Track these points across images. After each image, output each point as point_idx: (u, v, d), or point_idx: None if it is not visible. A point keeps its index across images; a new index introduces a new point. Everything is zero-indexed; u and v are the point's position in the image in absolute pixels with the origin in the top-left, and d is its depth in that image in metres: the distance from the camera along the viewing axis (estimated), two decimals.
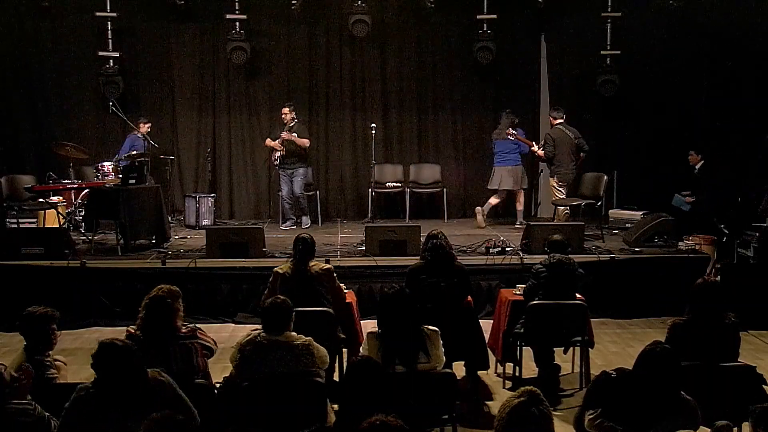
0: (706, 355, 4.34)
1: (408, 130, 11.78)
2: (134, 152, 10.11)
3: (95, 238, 8.70)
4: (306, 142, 10.30)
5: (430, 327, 4.41)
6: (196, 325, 4.83)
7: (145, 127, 10.61)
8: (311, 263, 5.70)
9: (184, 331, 4.43)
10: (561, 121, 9.83)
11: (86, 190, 9.15)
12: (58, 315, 4.24)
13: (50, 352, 4.24)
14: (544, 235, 7.64)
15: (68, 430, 3.42)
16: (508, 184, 10.35)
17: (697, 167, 10.35)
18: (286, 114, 10.26)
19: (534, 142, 10.26)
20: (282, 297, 4.47)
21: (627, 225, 9.74)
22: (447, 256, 5.66)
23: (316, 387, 4.15)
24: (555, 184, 9.77)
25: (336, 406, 4.12)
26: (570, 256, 5.88)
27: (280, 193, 10.49)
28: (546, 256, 5.86)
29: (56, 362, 4.38)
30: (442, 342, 4.41)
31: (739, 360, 4.54)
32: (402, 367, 4.21)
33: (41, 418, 3.43)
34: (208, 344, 4.50)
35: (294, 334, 4.29)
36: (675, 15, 10.60)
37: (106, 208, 8.44)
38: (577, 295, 5.87)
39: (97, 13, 10.73)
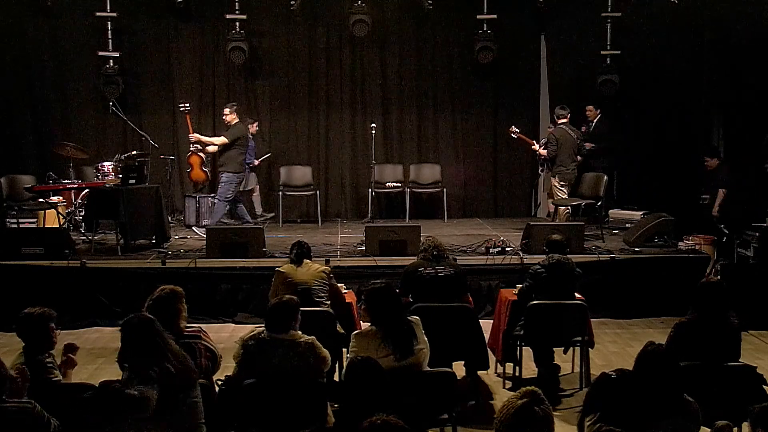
0: (710, 355, 4.33)
1: (408, 130, 11.79)
2: (134, 152, 10.10)
3: (95, 238, 8.69)
4: (217, 140, 9.59)
5: (411, 317, 4.49)
6: (201, 326, 4.82)
7: (253, 127, 10.68)
8: (309, 264, 5.73)
9: (188, 330, 4.42)
10: (565, 120, 9.80)
11: (86, 190, 9.14)
12: (55, 314, 4.23)
13: (51, 352, 4.22)
14: (544, 235, 7.63)
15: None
16: None
17: (593, 122, 10.73)
18: (225, 115, 9.67)
19: (534, 141, 10.26)
20: (288, 296, 4.46)
21: (627, 225, 9.73)
22: (442, 252, 5.80)
23: (316, 387, 4.15)
24: (557, 184, 9.75)
25: (336, 406, 4.12)
26: (568, 255, 5.89)
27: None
28: (545, 257, 5.87)
29: (66, 358, 4.35)
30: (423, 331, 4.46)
31: (739, 360, 4.54)
32: (402, 359, 4.23)
33: (41, 417, 3.42)
34: (211, 348, 4.48)
35: (298, 332, 4.29)
36: (675, 14, 10.58)
37: (106, 208, 8.44)
38: (577, 295, 5.87)
39: (97, 13, 10.73)
